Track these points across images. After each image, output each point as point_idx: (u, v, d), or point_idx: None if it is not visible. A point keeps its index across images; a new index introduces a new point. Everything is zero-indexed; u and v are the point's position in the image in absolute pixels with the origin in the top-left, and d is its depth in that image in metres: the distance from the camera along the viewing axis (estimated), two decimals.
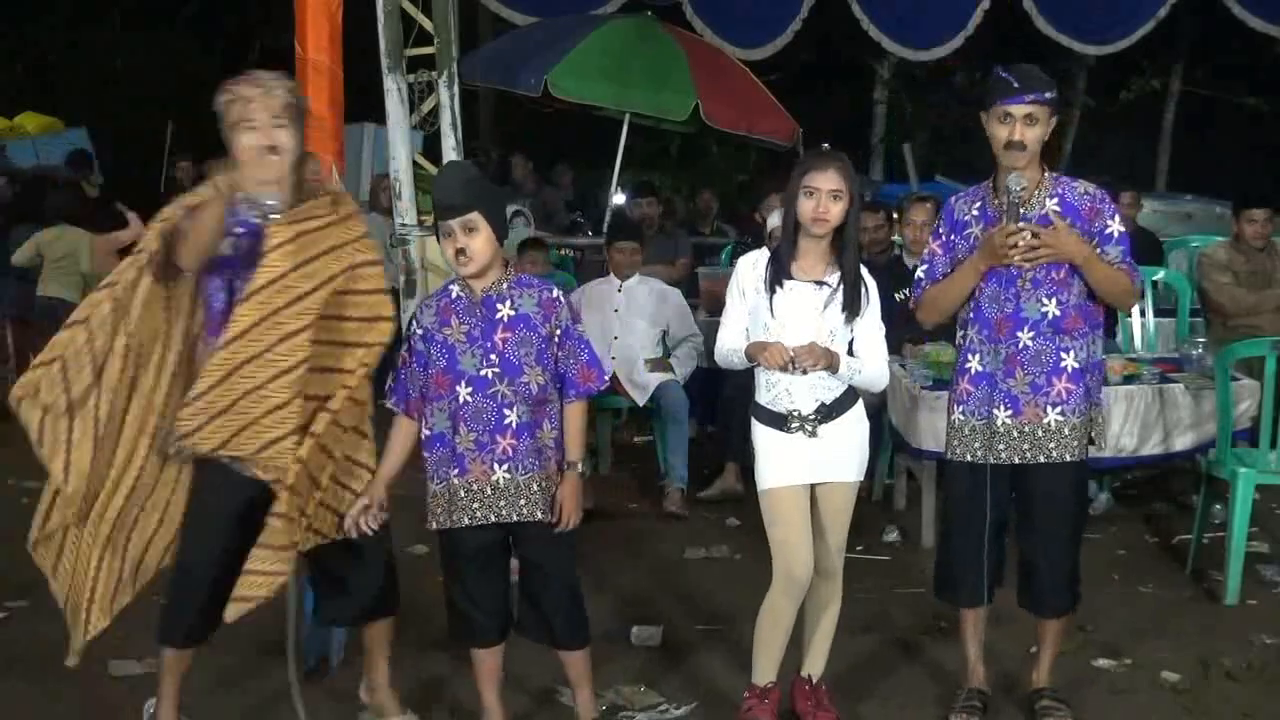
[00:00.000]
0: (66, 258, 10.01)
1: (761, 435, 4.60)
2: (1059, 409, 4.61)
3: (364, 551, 4.47)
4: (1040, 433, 4.62)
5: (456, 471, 4.35)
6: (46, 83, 16.16)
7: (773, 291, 4.52)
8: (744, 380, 4.72)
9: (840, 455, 4.58)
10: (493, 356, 4.32)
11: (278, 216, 4.17)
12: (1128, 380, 6.61)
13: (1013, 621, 5.15)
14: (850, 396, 4.59)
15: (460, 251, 4.27)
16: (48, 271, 10.03)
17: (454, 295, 4.40)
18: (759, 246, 4.88)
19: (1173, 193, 16.33)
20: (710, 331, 4.72)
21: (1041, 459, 4.62)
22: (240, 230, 4.22)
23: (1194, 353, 6.94)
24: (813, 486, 4.59)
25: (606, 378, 4.57)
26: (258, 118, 4.15)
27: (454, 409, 4.34)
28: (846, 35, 14.59)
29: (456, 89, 5.87)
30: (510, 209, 9.85)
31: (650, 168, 15.73)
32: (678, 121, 10.75)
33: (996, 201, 4.61)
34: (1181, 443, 6.58)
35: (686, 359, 7.76)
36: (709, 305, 8.50)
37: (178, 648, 4.48)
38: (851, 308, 4.53)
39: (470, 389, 4.32)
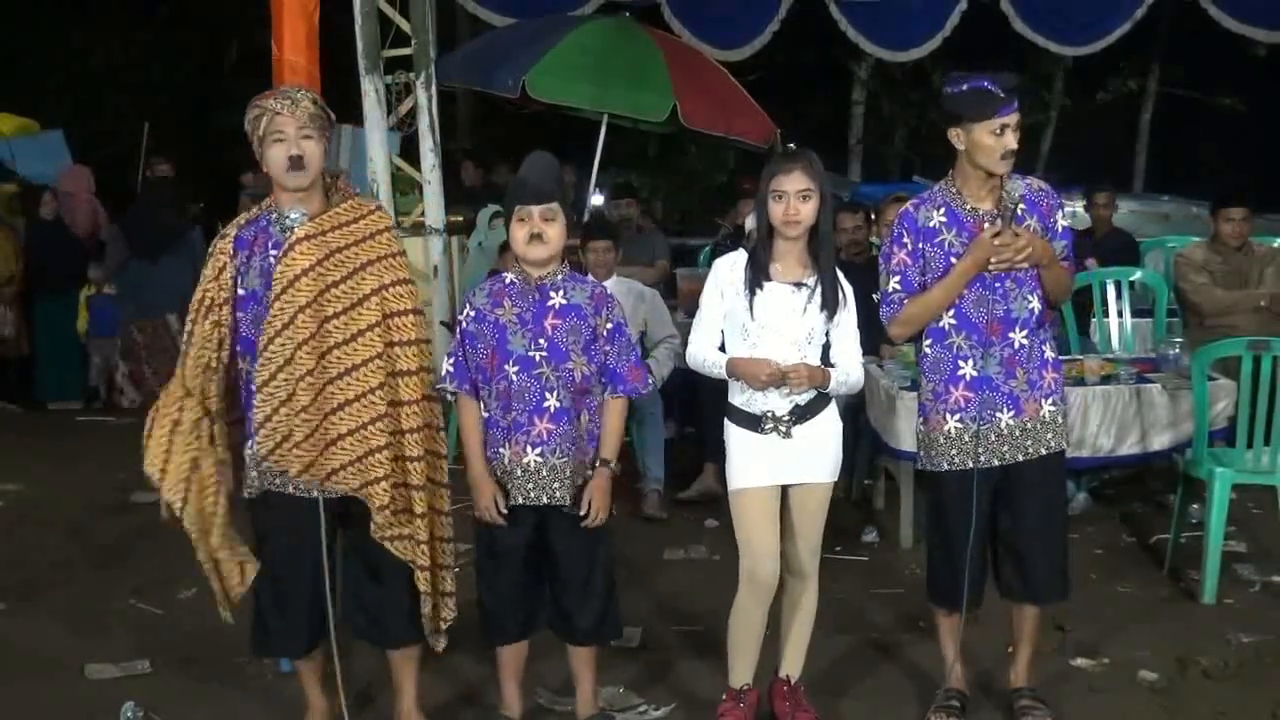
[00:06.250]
0: None
1: (734, 436, 4.60)
2: (1050, 399, 4.67)
3: (386, 575, 4.45)
4: (1039, 427, 4.65)
5: (501, 450, 4.45)
6: (21, 83, 16.05)
7: (752, 294, 4.52)
8: (722, 381, 4.71)
9: (814, 456, 4.57)
10: (541, 340, 4.43)
11: (302, 221, 4.23)
12: (1105, 380, 6.63)
13: (991, 621, 5.16)
14: (824, 398, 4.59)
15: (536, 236, 4.42)
16: None
17: (508, 280, 4.53)
18: (737, 248, 4.88)
19: (1150, 193, 16.36)
20: (688, 332, 4.71)
21: (1043, 451, 4.66)
22: (273, 254, 4.25)
23: (1171, 353, 6.97)
24: (786, 488, 4.60)
25: (650, 381, 4.66)
26: (285, 130, 4.22)
27: (502, 389, 4.44)
28: (824, 37, 14.61)
29: (434, 90, 5.86)
30: (489, 210, 9.84)
31: (628, 168, 15.72)
32: (655, 122, 10.74)
33: (998, 208, 4.54)
34: (1159, 442, 6.61)
35: (665, 360, 7.74)
36: (688, 306, 8.49)
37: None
38: (830, 306, 4.53)
39: (517, 368, 4.43)
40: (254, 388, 4.23)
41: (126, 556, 6.86)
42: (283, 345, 4.18)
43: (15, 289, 11.09)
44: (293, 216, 4.23)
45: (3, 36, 16.94)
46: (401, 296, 4.33)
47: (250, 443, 4.33)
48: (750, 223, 7.99)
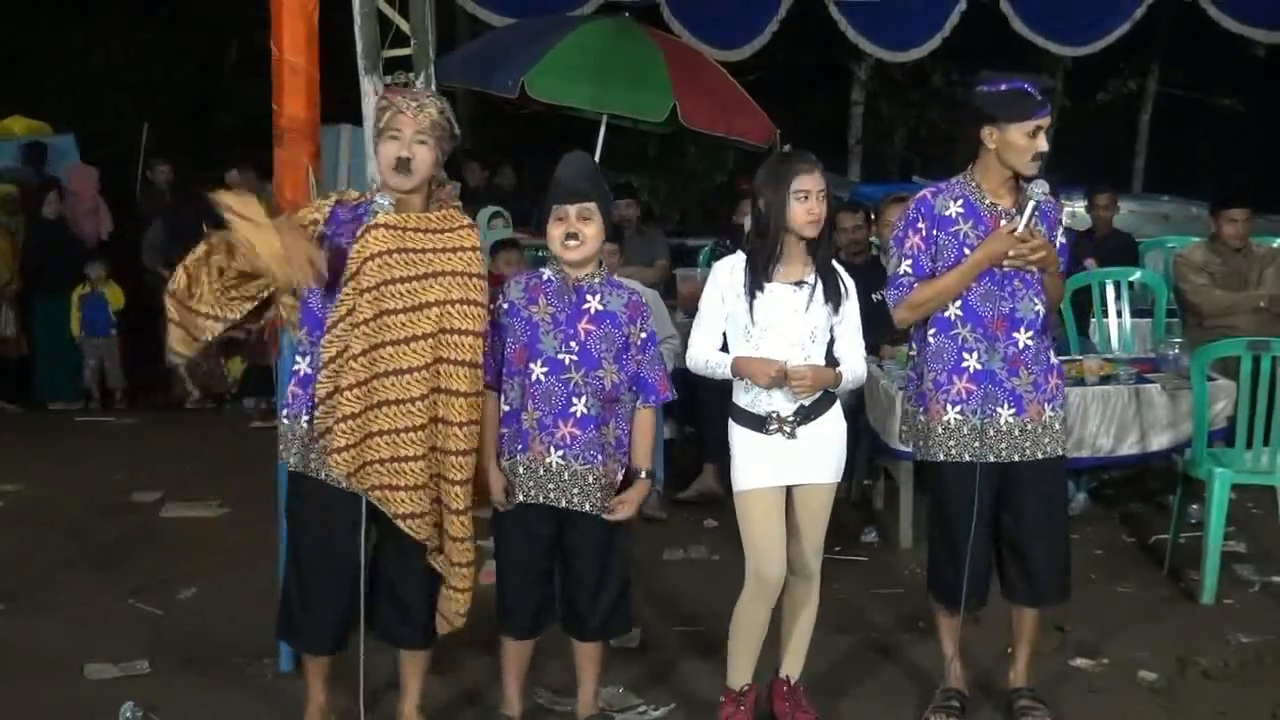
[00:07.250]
0: None
1: (739, 436, 4.60)
2: (1052, 404, 4.69)
3: (412, 575, 4.42)
4: (1039, 429, 4.66)
5: (520, 448, 4.43)
6: (21, 83, 16.04)
7: (753, 296, 4.52)
8: (722, 381, 4.71)
9: (818, 456, 4.57)
10: (573, 343, 4.41)
11: (387, 209, 4.23)
12: (1104, 380, 6.64)
13: (991, 621, 5.17)
14: (828, 398, 4.59)
15: (571, 235, 4.40)
16: None
17: (545, 277, 4.51)
18: (736, 249, 4.87)
19: (1149, 194, 16.36)
20: (688, 333, 4.71)
21: (1040, 455, 4.66)
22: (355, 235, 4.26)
23: (1170, 353, 6.98)
24: (790, 488, 4.59)
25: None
26: (403, 130, 4.23)
27: (526, 386, 4.42)
28: (824, 37, 14.61)
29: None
30: (489, 210, 9.85)
31: (628, 168, 15.72)
32: (655, 122, 10.74)
33: (1017, 205, 4.57)
34: (1158, 443, 6.62)
35: (664, 360, 7.74)
36: (687, 306, 8.49)
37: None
38: (834, 300, 4.53)
39: (545, 369, 4.40)
40: (320, 364, 4.22)
41: (126, 556, 6.86)
42: (349, 326, 4.18)
43: (15, 289, 11.10)
44: (381, 203, 4.24)
45: (3, 36, 16.91)
46: (466, 316, 4.27)
47: (286, 411, 4.37)
48: (749, 223, 8.00)
